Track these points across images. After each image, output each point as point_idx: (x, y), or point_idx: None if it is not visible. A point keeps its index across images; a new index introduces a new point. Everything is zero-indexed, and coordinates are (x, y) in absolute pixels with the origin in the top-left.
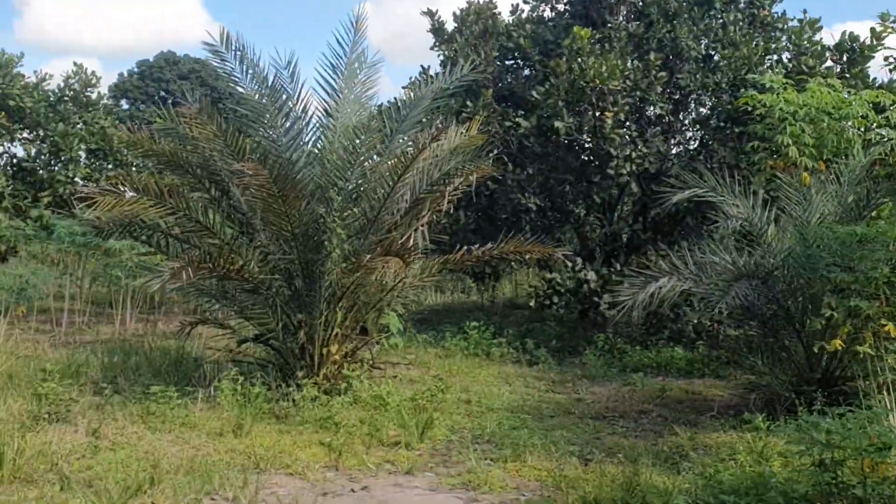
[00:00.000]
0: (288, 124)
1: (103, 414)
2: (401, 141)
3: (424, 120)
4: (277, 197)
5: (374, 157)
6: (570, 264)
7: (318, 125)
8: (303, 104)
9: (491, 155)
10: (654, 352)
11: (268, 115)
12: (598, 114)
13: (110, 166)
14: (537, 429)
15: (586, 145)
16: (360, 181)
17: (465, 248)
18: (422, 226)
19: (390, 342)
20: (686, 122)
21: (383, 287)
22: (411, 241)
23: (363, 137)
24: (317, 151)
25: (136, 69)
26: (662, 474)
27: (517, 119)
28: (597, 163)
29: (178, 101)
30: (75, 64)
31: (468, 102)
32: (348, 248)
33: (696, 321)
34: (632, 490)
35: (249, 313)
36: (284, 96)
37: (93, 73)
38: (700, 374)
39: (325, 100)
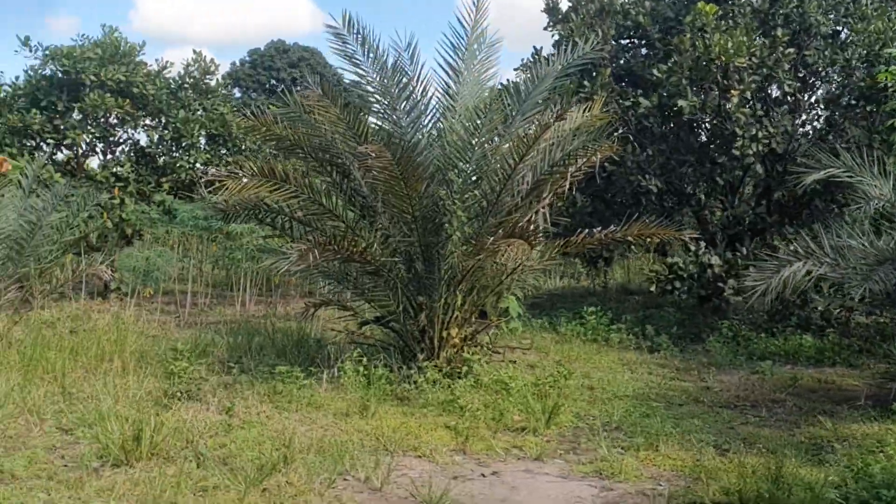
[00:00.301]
0: (409, 106)
1: (232, 393)
2: (521, 122)
3: (539, 101)
4: (399, 179)
5: (495, 138)
6: (692, 248)
7: (437, 107)
8: (422, 86)
9: (616, 135)
10: (780, 339)
11: (389, 98)
12: (722, 92)
13: (226, 152)
14: (667, 417)
15: (709, 125)
16: (480, 162)
17: (587, 230)
18: (543, 208)
19: (510, 326)
20: (813, 100)
21: (503, 270)
22: (532, 223)
23: (484, 118)
24: (435, 133)
25: (247, 58)
26: (805, 466)
27: (637, 98)
28: (720, 143)
29: (288, 89)
30: (194, 52)
31: (585, 82)
32: (468, 231)
33: (823, 308)
34: (777, 482)
35: (370, 296)
36: (405, 78)
37: (211, 60)
38: (831, 363)
39: (445, 81)
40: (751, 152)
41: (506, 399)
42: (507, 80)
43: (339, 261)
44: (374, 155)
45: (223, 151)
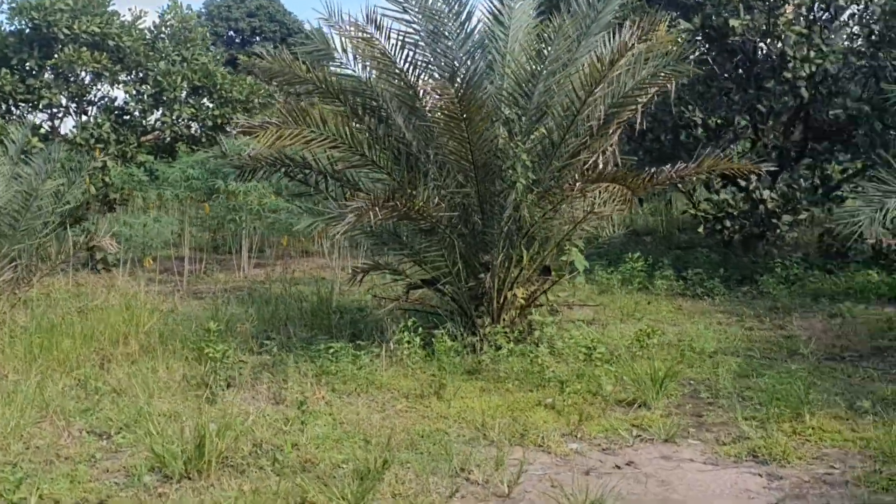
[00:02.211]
0: (464, 34)
1: (278, 376)
2: (585, 48)
3: (607, 23)
4: (459, 119)
5: (560, 68)
6: (743, 184)
7: (486, 34)
8: (466, 10)
9: (693, 57)
10: (841, 277)
11: (434, 23)
12: (771, 10)
13: (212, 105)
14: (779, 376)
15: (754, 47)
16: (542, 97)
17: (654, 168)
18: (612, 146)
19: (576, 281)
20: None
21: (572, 220)
22: (599, 164)
23: (552, 44)
24: (484, 66)
25: (203, 9)
26: None
27: (677, 21)
28: (767, 66)
29: (247, 39)
30: None
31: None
32: (532, 177)
33: (874, 240)
34: None
35: (422, 256)
36: (456, 4)
37: (188, 6)
38: None
39: (493, 3)
40: (804, 74)
41: (596, 367)
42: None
43: (396, 218)
44: (437, 93)
45: (208, 104)
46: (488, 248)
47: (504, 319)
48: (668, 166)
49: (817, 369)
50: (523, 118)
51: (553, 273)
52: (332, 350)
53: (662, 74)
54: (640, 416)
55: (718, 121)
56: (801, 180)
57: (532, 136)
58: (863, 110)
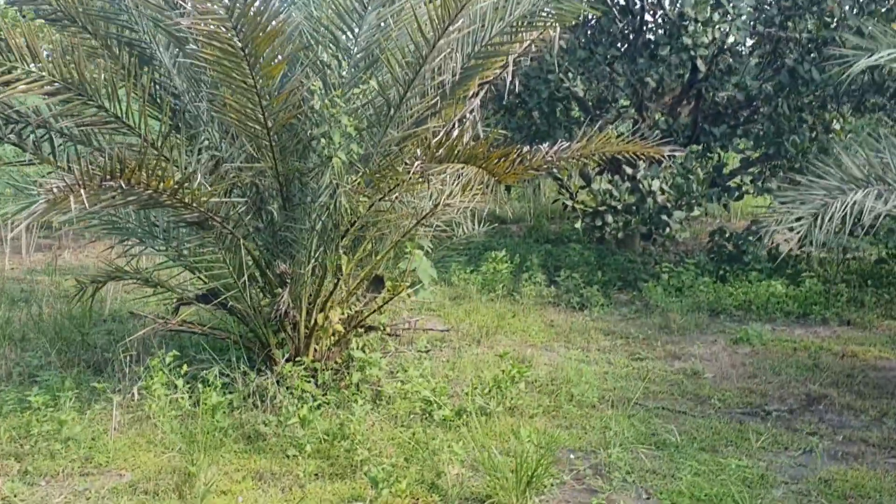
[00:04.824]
0: None
1: None
2: None
3: None
4: (241, 58)
5: None
6: (629, 171)
7: None
8: None
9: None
10: (738, 287)
11: None
12: None
13: None
14: (689, 450)
15: (642, 6)
16: (374, 36)
17: (528, 147)
18: (472, 112)
19: (419, 296)
20: None
21: (416, 213)
22: (454, 133)
23: None
24: None
25: None
26: None
27: None
28: (661, 31)
29: None
30: None
31: None
32: (357, 152)
33: (770, 245)
34: None
35: (194, 260)
36: None
37: None
38: (820, 319)
39: None
40: (705, 41)
41: (437, 432)
42: None
43: (137, 204)
44: (198, 9)
45: None
46: (292, 251)
47: (315, 351)
48: (545, 145)
49: (736, 433)
50: (344, 63)
51: (388, 286)
52: (39, 403)
53: (544, 13)
54: None
55: (599, 95)
56: (699, 169)
57: (358, 91)
58: (764, 89)
